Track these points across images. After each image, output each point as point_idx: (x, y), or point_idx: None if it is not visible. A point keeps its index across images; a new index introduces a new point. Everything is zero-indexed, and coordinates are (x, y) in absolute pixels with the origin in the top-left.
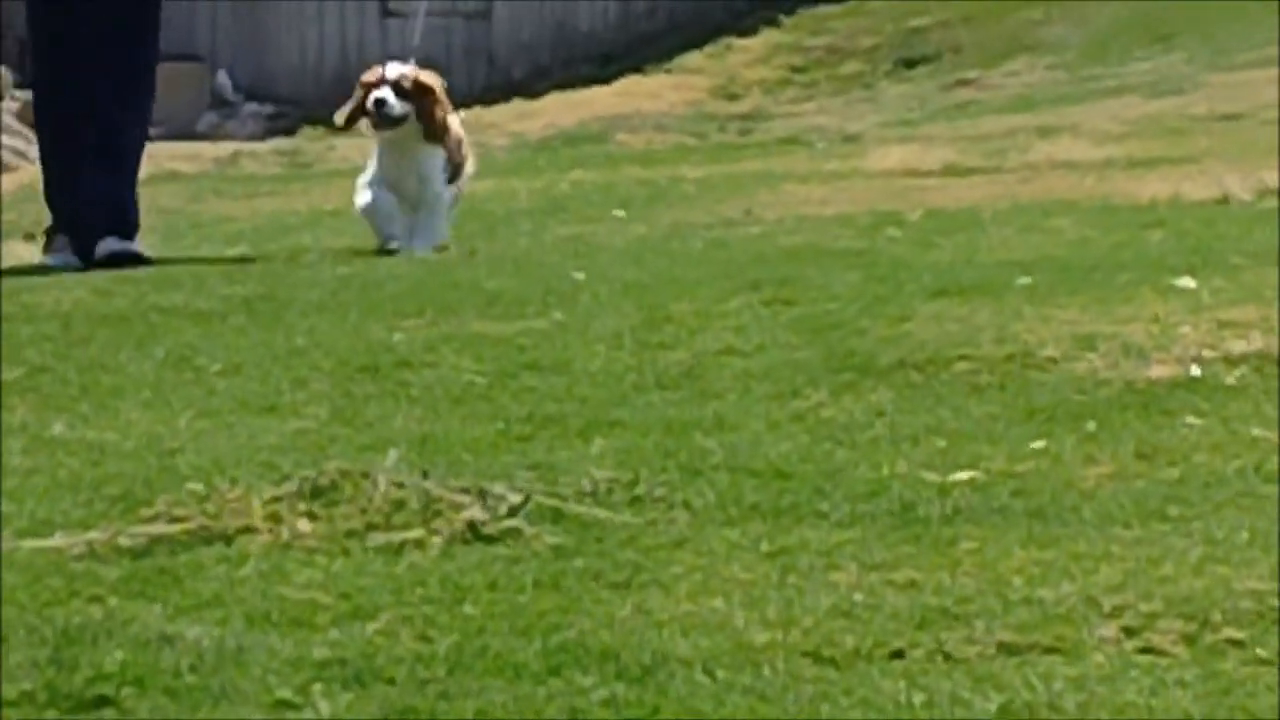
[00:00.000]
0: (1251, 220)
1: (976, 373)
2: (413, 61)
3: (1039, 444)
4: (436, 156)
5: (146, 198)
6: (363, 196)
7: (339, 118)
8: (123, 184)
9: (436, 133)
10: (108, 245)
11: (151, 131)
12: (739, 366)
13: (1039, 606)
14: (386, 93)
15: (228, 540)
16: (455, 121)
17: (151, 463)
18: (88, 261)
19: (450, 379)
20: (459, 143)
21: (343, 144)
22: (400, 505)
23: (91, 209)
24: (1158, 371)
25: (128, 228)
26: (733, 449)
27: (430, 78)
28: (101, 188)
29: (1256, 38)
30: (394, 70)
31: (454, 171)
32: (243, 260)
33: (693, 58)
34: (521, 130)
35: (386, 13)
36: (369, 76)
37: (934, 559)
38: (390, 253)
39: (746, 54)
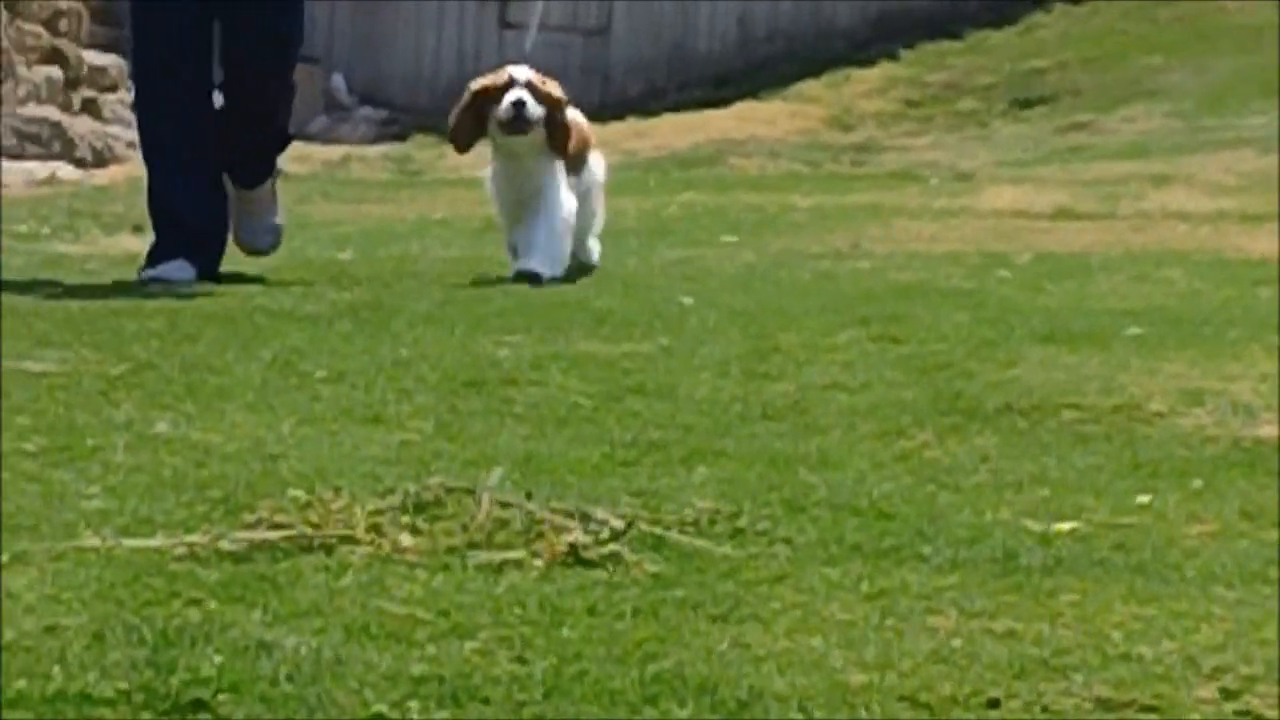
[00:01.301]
0: None
1: (1083, 422)
2: (527, 67)
3: (1143, 498)
4: (558, 168)
5: None
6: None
7: (455, 134)
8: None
9: (568, 147)
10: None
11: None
12: (844, 402)
13: (1138, 663)
14: (524, 94)
15: (329, 550)
16: (575, 117)
17: (254, 467)
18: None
19: (556, 398)
20: (581, 139)
21: (454, 152)
22: (503, 524)
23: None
24: (1265, 430)
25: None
26: (836, 486)
27: (555, 87)
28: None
29: None
30: (522, 72)
31: (575, 164)
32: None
33: (810, 86)
34: (634, 149)
35: (505, 24)
36: (488, 81)
37: (1034, 609)
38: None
39: (863, 85)
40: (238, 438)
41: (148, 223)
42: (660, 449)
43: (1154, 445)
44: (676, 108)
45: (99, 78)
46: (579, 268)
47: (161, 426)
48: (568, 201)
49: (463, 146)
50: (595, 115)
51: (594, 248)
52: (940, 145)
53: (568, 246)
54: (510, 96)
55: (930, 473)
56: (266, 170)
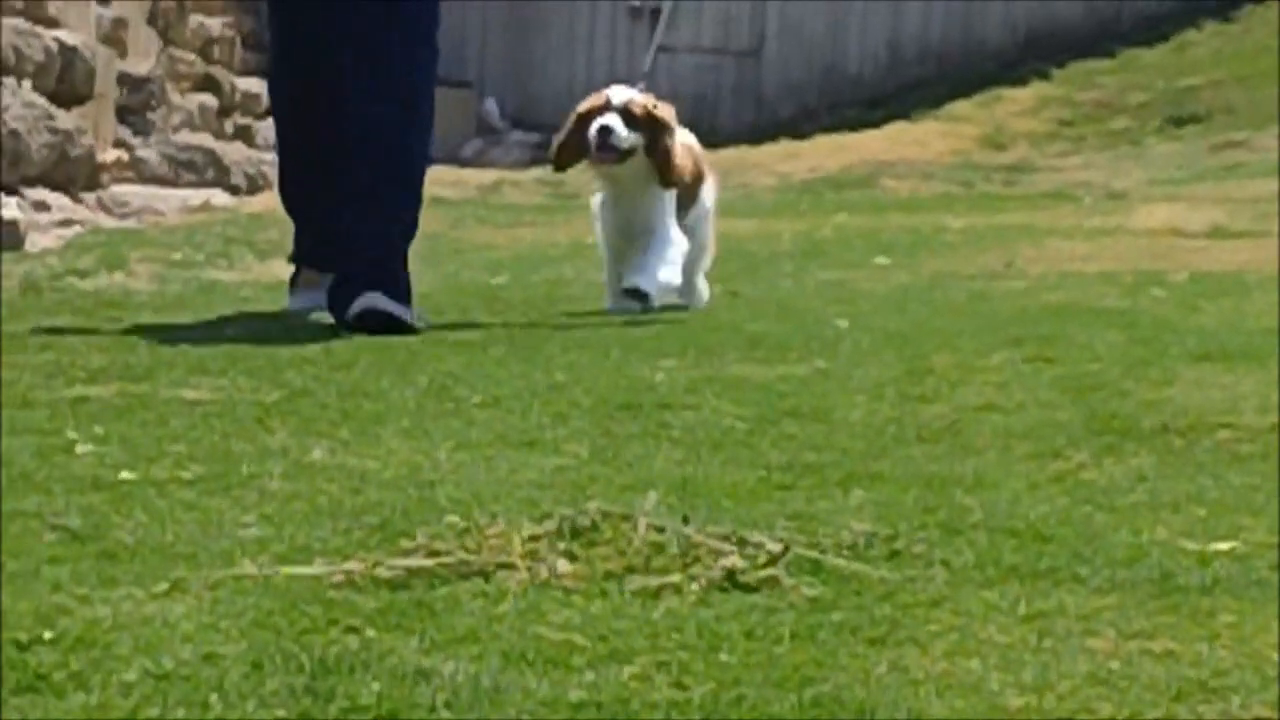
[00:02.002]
0: None
1: (1238, 441)
2: (642, 86)
3: None
4: (666, 199)
5: None
6: (609, 301)
7: (557, 156)
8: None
9: (670, 175)
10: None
11: None
12: (999, 424)
13: None
14: (613, 120)
15: (486, 576)
16: (689, 142)
17: (411, 493)
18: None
19: (711, 422)
20: (695, 170)
21: None
22: (659, 549)
23: (352, 255)
24: None
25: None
26: (992, 508)
27: (664, 109)
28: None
29: None
30: (620, 95)
31: (685, 196)
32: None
33: (961, 106)
34: (787, 171)
35: (659, 48)
36: (590, 103)
37: (1192, 630)
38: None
39: (1015, 105)
40: (394, 464)
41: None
42: (816, 472)
43: None
44: (828, 129)
45: (252, 104)
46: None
47: (317, 454)
48: (678, 237)
49: (562, 168)
50: (748, 137)
51: (702, 289)
52: (1093, 164)
53: (678, 274)
54: (598, 121)
55: (1086, 493)
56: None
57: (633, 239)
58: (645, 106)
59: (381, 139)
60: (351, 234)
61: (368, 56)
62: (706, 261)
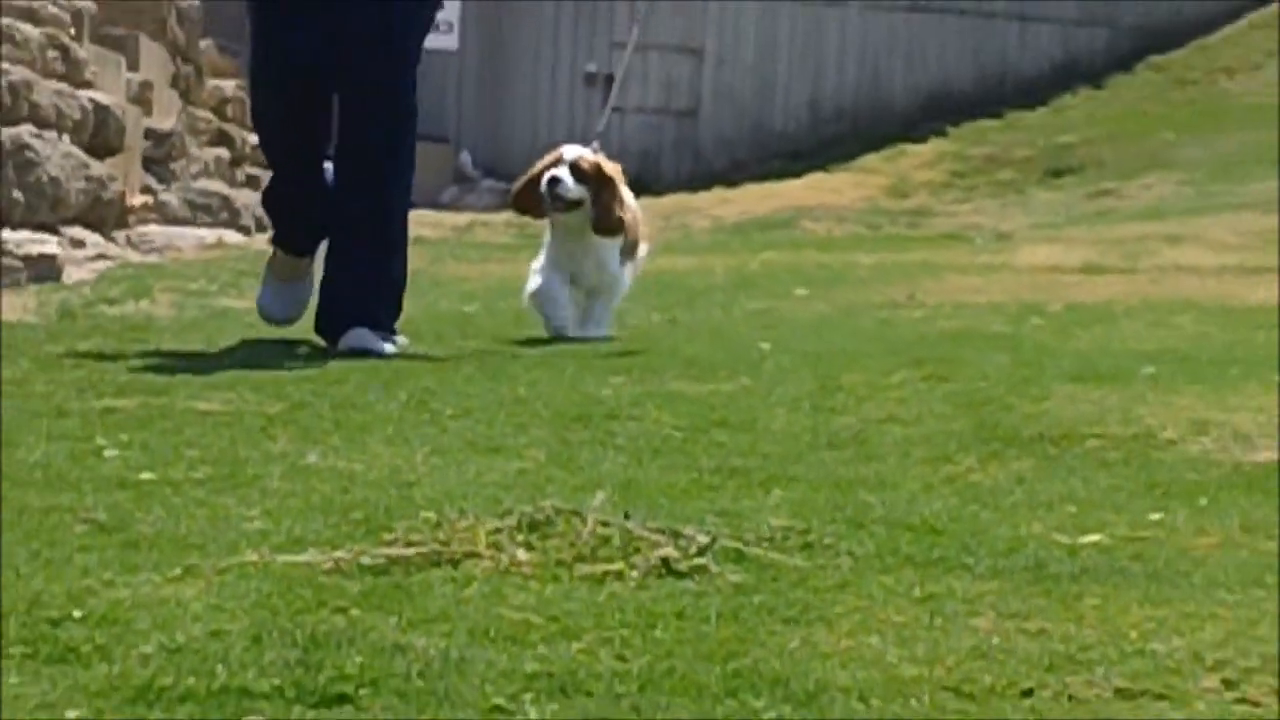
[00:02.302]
0: None
1: (1105, 449)
2: (595, 146)
3: (1156, 515)
4: (614, 249)
5: None
6: (531, 282)
7: (516, 201)
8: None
9: (609, 226)
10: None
11: None
12: (899, 433)
13: (1151, 658)
14: (562, 172)
15: (455, 564)
16: (631, 201)
17: (392, 492)
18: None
19: (651, 431)
20: (634, 221)
21: None
22: (605, 541)
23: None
24: (1263, 456)
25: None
26: (891, 506)
27: (610, 166)
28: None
29: None
30: (572, 152)
31: (629, 249)
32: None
33: (870, 159)
34: (721, 215)
35: (615, 108)
36: (548, 158)
37: (1062, 611)
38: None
39: (916, 159)
40: (377, 467)
41: None
42: (741, 474)
43: (1166, 469)
44: (756, 178)
45: (259, 156)
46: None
47: (312, 458)
48: (624, 279)
49: (521, 212)
50: (686, 185)
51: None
52: (983, 210)
53: (611, 317)
54: (549, 173)
55: (973, 493)
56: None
57: (580, 276)
58: (593, 163)
59: (362, 203)
60: (337, 281)
61: (352, 147)
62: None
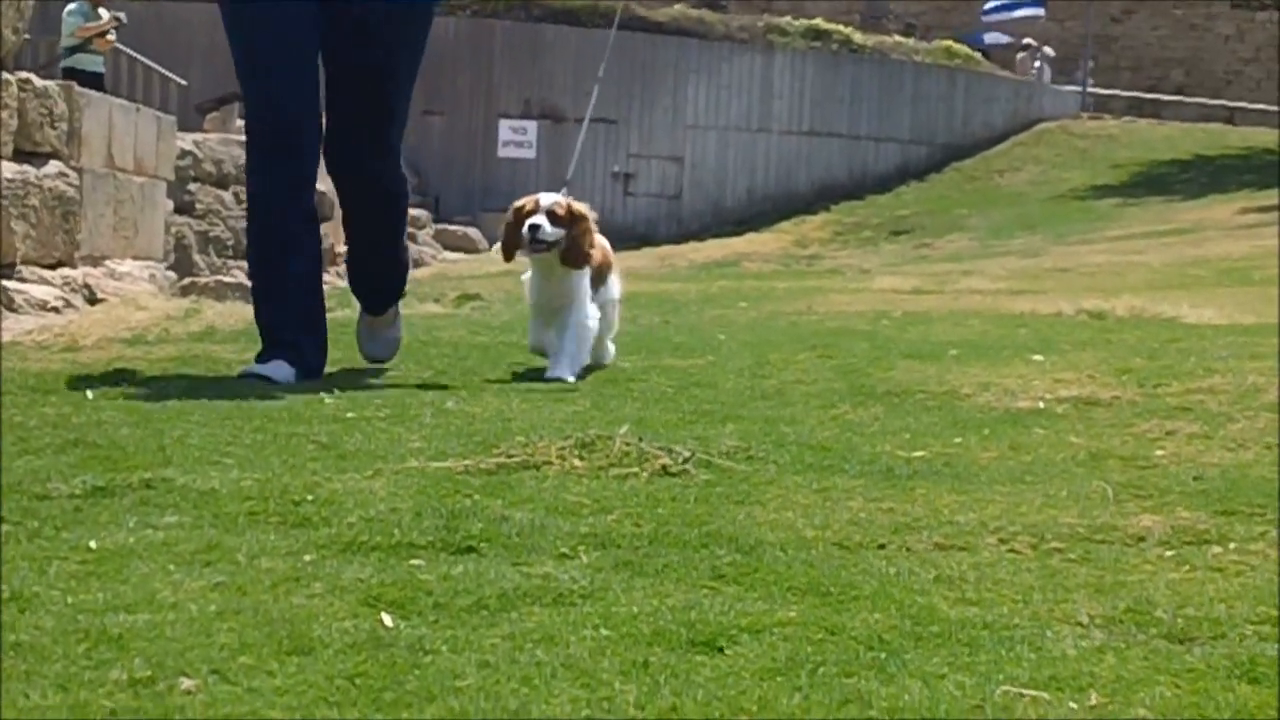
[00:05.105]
0: (1074, 326)
1: (927, 400)
2: (565, 191)
3: (958, 439)
4: (582, 280)
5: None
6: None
7: (503, 244)
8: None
9: (575, 259)
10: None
11: None
12: (804, 390)
13: (956, 525)
14: (542, 219)
15: (536, 468)
16: (601, 240)
17: (498, 425)
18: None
19: (654, 388)
20: (603, 261)
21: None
22: (627, 454)
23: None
24: (1022, 404)
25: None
26: (799, 433)
27: (582, 206)
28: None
29: (1080, 226)
30: (547, 199)
31: (596, 276)
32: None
33: (784, 224)
34: (695, 259)
35: (629, 193)
36: (524, 203)
37: (902, 497)
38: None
39: (812, 225)
40: (489, 409)
41: (439, 297)
42: (708, 415)
43: (963, 411)
44: (716, 236)
45: (415, 222)
46: (596, 367)
47: (450, 404)
48: (592, 311)
49: (507, 256)
50: (674, 241)
51: (610, 349)
52: (852, 256)
53: (587, 353)
54: (530, 220)
55: (848, 426)
56: (389, 302)
57: (555, 310)
58: (566, 206)
59: (365, 253)
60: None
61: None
62: (613, 333)
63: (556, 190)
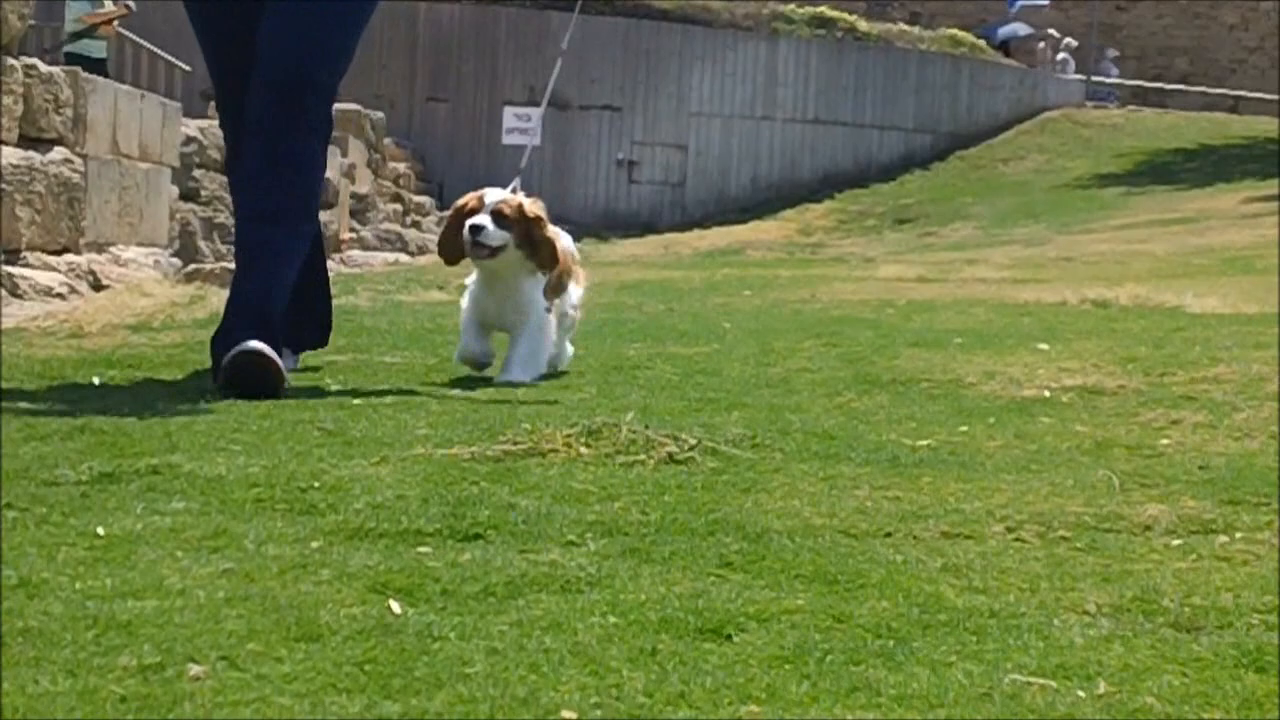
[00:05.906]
0: (1078, 315)
1: (932, 388)
2: (516, 184)
3: (964, 428)
4: (535, 286)
5: None
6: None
7: (441, 248)
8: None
9: (546, 262)
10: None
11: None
12: (808, 378)
13: (962, 514)
14: (485, 220)
15: (543, 455)
16: (567, 242)
17: (504, 411)
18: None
19: (660, 376)
20: (565, 260)
21: (605, 249)
22: (633, 441)
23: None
24: (1027, 392)
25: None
26: (805, 421)
27: (534, 205)
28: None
29: (1084, 215)
30: (493, 196)
31: (555, 286)
32: None
33: (788, 213)
34: (698, 246)
35: (631, 180)
36: (466, 200)
37: (908, 485)
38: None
39: (816, 212)
40: (497, 397)
41: (443, 285)
42: (714, 402)
43: (969, 400)
44: (720, 224)
45: (420, 209)
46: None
47: (456, 391)
48: (548, 321)
49: (448, 260)
50: (678, 228)
51: (568, 351)
52: (856, 244)
53: (544, 359)
54: (471, 220)
55: (854, 414)
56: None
57: (504, 321)
58: (515, 206)
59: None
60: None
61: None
62: (572, 334)
63: (545, 185)
